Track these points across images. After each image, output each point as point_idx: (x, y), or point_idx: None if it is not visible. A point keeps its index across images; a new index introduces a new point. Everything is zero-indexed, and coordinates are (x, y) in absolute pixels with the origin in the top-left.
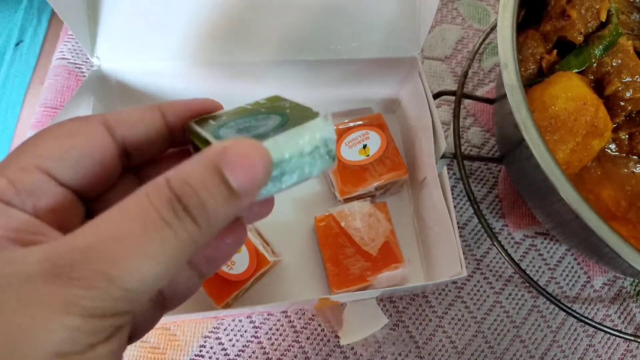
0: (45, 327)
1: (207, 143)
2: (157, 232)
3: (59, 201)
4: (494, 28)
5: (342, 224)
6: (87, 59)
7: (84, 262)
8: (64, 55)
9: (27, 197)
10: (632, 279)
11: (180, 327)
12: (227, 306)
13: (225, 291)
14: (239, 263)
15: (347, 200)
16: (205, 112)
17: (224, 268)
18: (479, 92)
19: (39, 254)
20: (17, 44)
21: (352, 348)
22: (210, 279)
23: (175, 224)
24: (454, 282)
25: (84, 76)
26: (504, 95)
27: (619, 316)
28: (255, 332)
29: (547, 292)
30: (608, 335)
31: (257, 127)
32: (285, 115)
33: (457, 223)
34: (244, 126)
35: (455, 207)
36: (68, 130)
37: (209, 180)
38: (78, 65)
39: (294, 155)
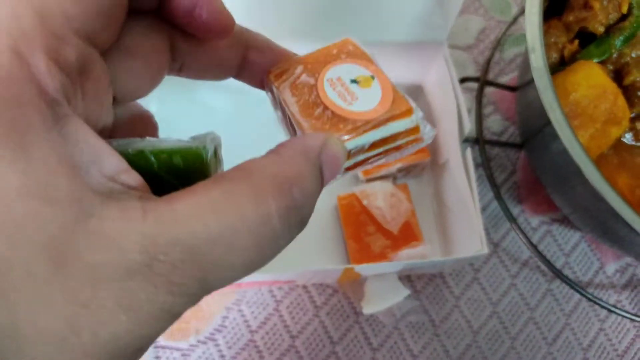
0: (139, 327)
1: None
2: (268, 244)
3: (97, 69)
4: (516, 19)
5: (365, 203)
6: None
7: (186, 262)
8: None
9: (77, 83)
10: None
11: (204, 298)
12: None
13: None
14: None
15: (369, 181)
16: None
17: (339, 101)
18: (500, 81)
19: (135, 236)
20: None
21: (371, 324)
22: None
23: (285, 236)
24: (471, 264)
25: None
26: (529, 81)
27: (630, 302)
28: (277, 306)
29: (562, 274)
30: (619, 320)
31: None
32: None
33: None
34: None
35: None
36: None
37: (316, 181)
38: None
39: None
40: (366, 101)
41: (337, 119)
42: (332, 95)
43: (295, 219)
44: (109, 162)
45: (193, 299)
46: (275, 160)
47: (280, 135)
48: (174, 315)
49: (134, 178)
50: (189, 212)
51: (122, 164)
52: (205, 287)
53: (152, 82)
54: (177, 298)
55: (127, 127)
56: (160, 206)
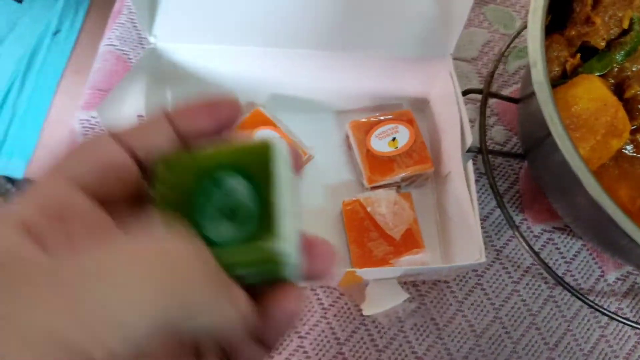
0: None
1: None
2: None
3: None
4: (520, 32)
5: (368, 209)
6: (135, 46)
7: None
8: (112, 42)
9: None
10: None
11: None
12: None
13: None
14: None
15: (374, 189)
16: (216, 120)
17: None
18: (503, 93)
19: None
20: (54, 34)
21: (377, 326)
22: None
23: None
24: (474, 270)
25: (132, 62)
26: (531, 94)
27: (631, 309)
28: None
29: (563, 281)
30: (620, 326)
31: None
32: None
33: (479, 215)
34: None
35: (477, 200)
36: (85, 148)
37: None
38: (125, 52)
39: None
40: None
41: None
42: None
43: None
44: None
45: None
46: None
47: None
48: None
49: None
50: None
51: None
52: None
53: None
54: None
55: None
56: None
